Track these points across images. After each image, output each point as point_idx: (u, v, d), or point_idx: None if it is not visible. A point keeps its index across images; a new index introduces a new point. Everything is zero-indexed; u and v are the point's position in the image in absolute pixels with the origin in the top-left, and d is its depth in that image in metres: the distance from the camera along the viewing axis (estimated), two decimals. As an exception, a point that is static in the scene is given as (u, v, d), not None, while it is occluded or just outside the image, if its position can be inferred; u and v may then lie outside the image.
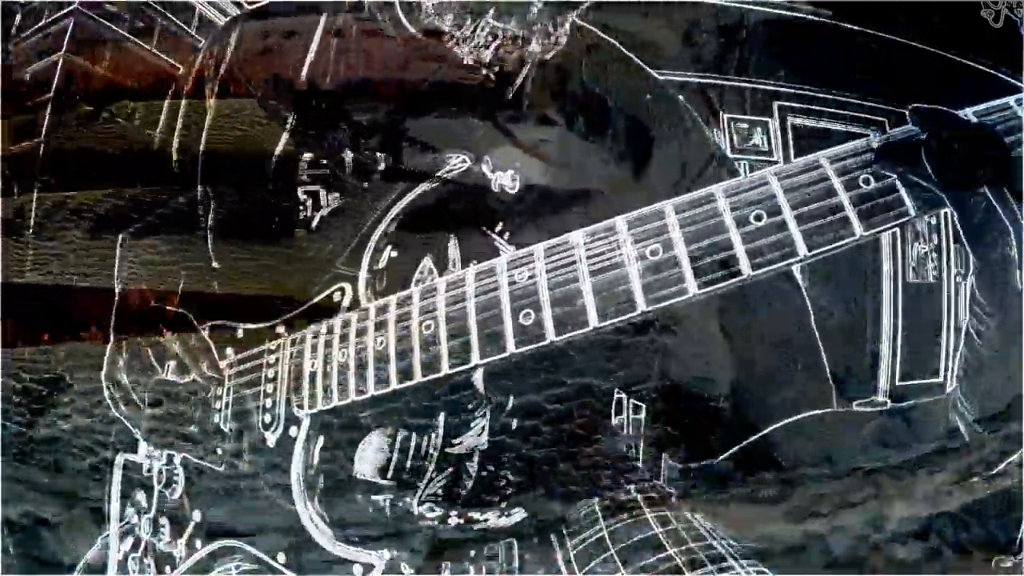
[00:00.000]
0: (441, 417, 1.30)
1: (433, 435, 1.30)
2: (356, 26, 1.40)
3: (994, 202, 1.18)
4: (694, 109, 1.31)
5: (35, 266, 1.52)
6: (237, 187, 1.42)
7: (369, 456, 1.32)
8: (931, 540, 1.27)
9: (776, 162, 1.28)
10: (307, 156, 1.38)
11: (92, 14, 1.50)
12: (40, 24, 1.53)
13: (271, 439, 1.38)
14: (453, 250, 1.31)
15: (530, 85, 1.33)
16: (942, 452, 1.27)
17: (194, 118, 1.45)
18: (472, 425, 1.29)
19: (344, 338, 1.34)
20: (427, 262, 1.32)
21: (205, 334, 1.43)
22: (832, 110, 1.29)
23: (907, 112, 1.24)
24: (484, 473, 1.30)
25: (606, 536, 1.28)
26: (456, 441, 1.30)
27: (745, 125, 1.31)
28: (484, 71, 1.34)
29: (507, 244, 1.30)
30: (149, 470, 1.47)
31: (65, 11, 1.51)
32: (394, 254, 1.34)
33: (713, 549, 1.27)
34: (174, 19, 1.48)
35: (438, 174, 1.33)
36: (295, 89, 1.41)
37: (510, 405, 1.29)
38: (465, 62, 1.34)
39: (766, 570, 1.26)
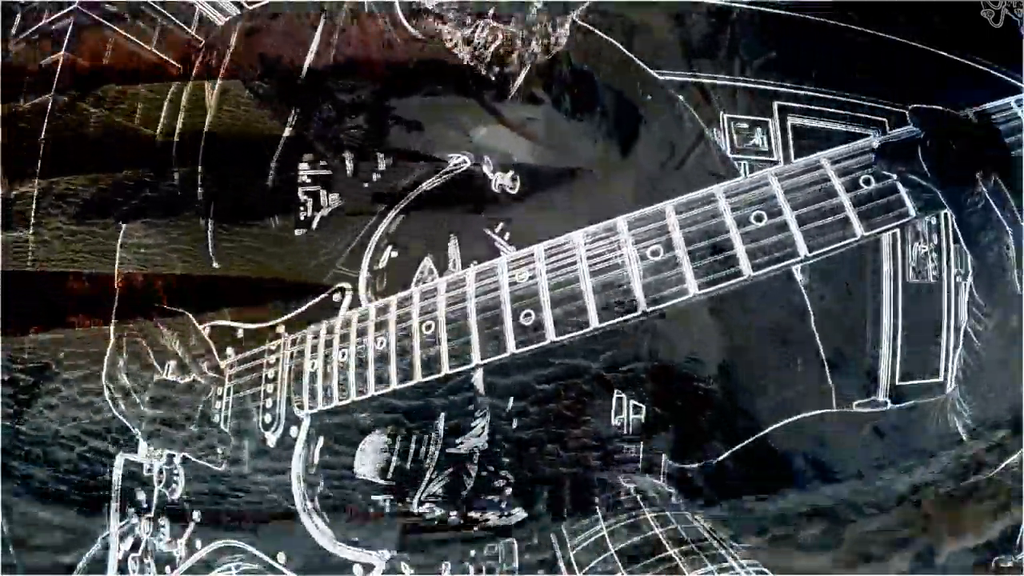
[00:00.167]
0: (441, 417, 1.30)
1: (433, 435, 1.30)
2: (356, 26, 1.40)
3: (992, 202, 1.18)
4: (694, 109, 1.32)
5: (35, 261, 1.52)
6: (237, 187, 1.42)
7: (369, 456, 1.32)
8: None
9: (776, 162, 1.28)
10: (307, 157, 1.37)
11: (92, 14, 1.50)
12: (40, 24, 1.53)
13: (271, 439, 1.38)
14: (453, 250, 1.31)
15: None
16: (940, 453, 1.27)
17: (194, 118, 1.45)
18: (472, 425, 1.29)
19: (344, 338, 1.34)
20: (427, 262, 1.32)
21: (205, 334, 1.43)
22: (832, 110, 1.30)
23: (907, 112, 1.24)
24: (484, 473, 1.30)
25: (606, 536, 1.28)
26: (456, 441, 1.30)
27: (745, 125, 1.31)
28: (484, 71, 1.34)
29: (507, 244, 1.30)
30: (149, 470, 1.46)
31: (65, 11, 1.51)
32: (394, 254, 1.34)
33: (713, 549, 1.27)
34: (174, 19, 1.48)
35: (438, 174, 1.33)
36: (295, 89, 1.41)
37: (509, 405, 1.29)
38: (465, 62, 1.34)
39: (766, 570, 1.26)
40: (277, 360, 1.38)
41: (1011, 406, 1.26)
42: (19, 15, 1.55)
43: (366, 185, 1.36)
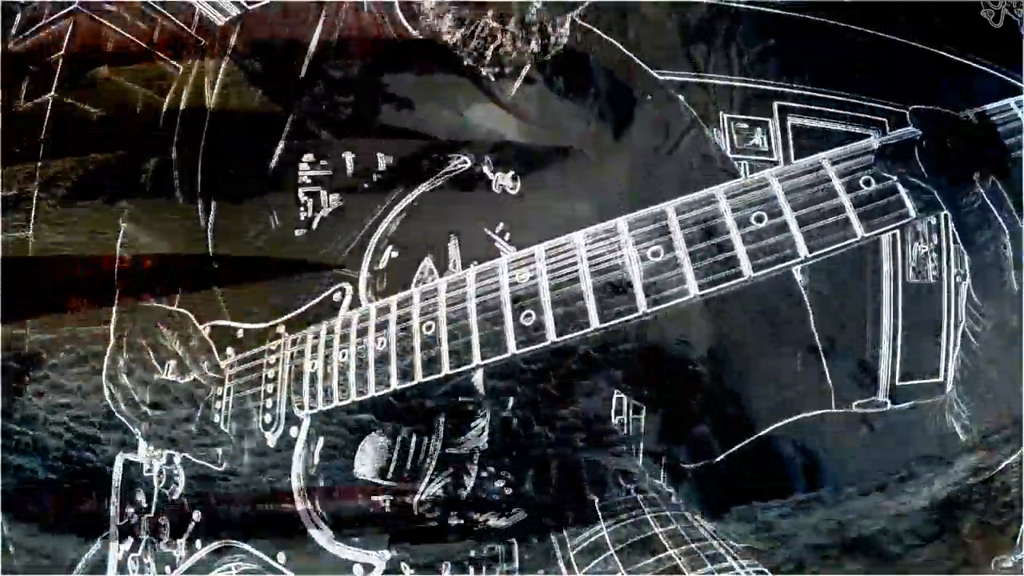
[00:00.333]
0: (441, 418, 1.30)
1: (433, 436, 1.30)
2: (356, 27, 1.40)
3: (989, 203, 1.18)
4: (694, 109, 1.32)
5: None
6: (237, 188, 1.42)
7: (369, 456, 1.32)
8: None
9: (776, 162, 1.28)
10: (308, 157, 1.37)
11: (92, 14, 1.50)
12: (40, 24, 1.53)
13: (271, 439, 1.38)
14: (454, 251, 1.31)
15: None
16: (939, 453, 1.27)
17: (194, 118, 1.45)
18: (472, 426, 1.29)
19: (345, 338, 1.34)
20: (428, 263, 1.32)
21: (205, 334, 1.43)
22: (832, 110, 1.30)
23: (907, 113, 1.24)
24: (484, 474, 1.30)
25: (606, 536, 1.28)
26: (456, 441, 1.30)
27: (745, 125, 1.31)
28: (483, 70, 1.34)
29: (507, 245, 1.30)
30: (149, 470, 1.46)
31: (65, 11, 1.51)
32: (395, 255, 1.34)
33: (713, 549, 1.27)
34: (174, 19, 1.48)
35: (439, 174, 1.33)
36: (295, 89, 1.41)
37: (510, 405, 1.29)
38: (465, 63, 1.34)
39: (766, 570, 1.26)
40: (277, 360, 1.38)
41: (1009, 407, 1.26)
42: (19, 15, 1.55)
43: (366, 185, 1.36)
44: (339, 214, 1.36)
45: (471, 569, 1.31)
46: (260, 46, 1.45)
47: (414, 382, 1.29)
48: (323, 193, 1.37)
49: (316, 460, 1.35)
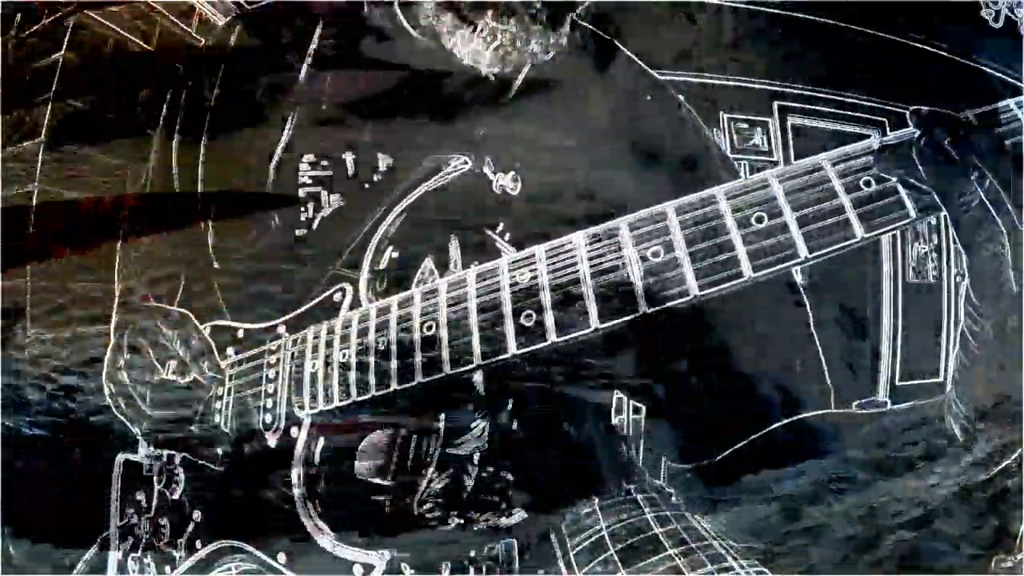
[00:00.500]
0: (441, 418, 1.30)
1: (434, 436, 1.30)
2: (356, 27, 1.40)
3: (988, 203, 1.18)
4: (694, 109, 1.32)
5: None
6: (238, 188, 1.42)
7: (370, 456, 1.32)
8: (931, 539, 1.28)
9: (776, 162, 1.28)
10: (308, 158, 1.37)
11: (92, 14, 1.50)
12: (40, 24, 1.53)
13: (272, 439, 1.38)
14: (454, 251, 1.31)
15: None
16: (938, 454, 1.27)
17: (194, 118, 1.45)
18: (472, 426, 1.29)
19: (345, 339, 1.34)
20: (428, 263, 1.32)
21: (206, 334, 1.43)
22: (832, 110, 1.30)
23: (907, 114, 1.24)
24: (484, 474, 1.30)
25: (606, 536, 1.28)
26: (456, 442, 1.30)
27: (745, 125, 1.31)
28: (483, 71, 1.34)
29: (508, 245, 1.30)
30: (149, 470, 1.46)
31: (65, 11, 1.51)
32: (395, 255, 1.34)
33: (713, 549, 1.27)
34: (174, 19, 1.48)
35: (439, 175, 1.33)
36: (295, 89, 1.41)
37: (510, 406, 1.29)
38: (465, 63, 1.34)
39: (766, 570, 1.26)
40: (278, 360, 1.38)
41: (1008, 407, 1.26)
42: (19, 15, 1.55)
43: (367, 186, 1.36)
44: (340, 214, 1.36)
45: (471, 569, 1.31)
46: (260, 46, 1.45)
47: (414, 382, 1.29)
48: (324, 193, 1.37)
49: (316, 460, 1.35)
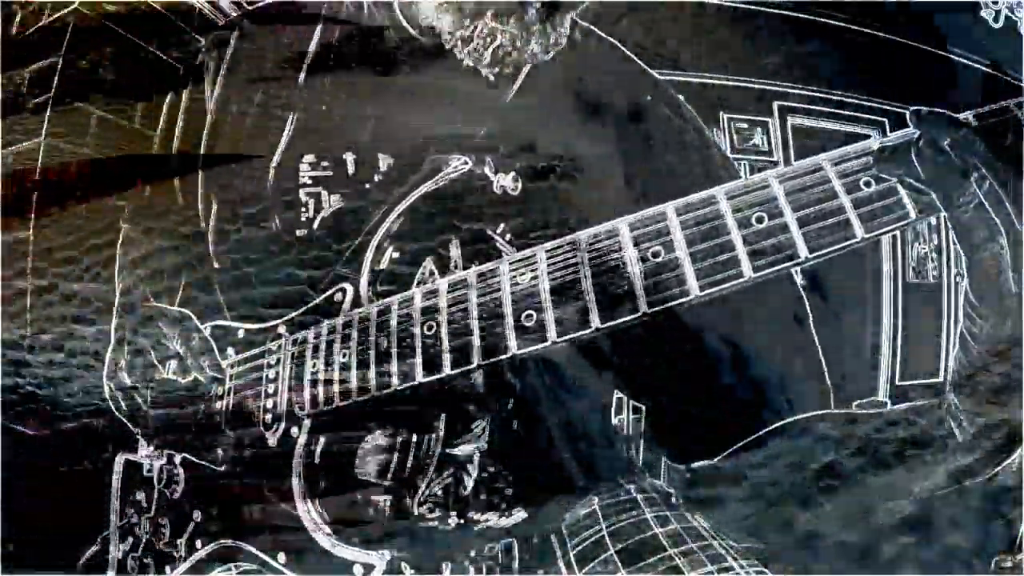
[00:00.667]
0: (442, 418, 1.30)
1: (434, 436, 1.30)
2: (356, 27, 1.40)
3: (986, 204, 1.18)
4: (694, 109, 1.32)
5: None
6: (238, 188, 1.42)
7: (370, 457, 1.32)
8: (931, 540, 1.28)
9: (776, 162, 1.28)
10: (309, 158, 1.37)
11: (92, 14, 1.50)
12: (40, 24, 1.53)
13: (272, 439, 1.38)
14: (455, 251, 1.31)
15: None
16: (937, 454, 1.27)
17: (194, 118, 1.45)
18: (472, 426, 1.29)
19: (346, 339, 1.34)
20: (429, 263, 1.32)
21: (207, 333, 1.43)
22: (832, 110, 1.29)
23: (907, 114, 1.24)
24: (484, 474, 1.30)
25: (606, 536, 1.28)
26: (457, 442, 1.30)
27: (745, 125, 1.31)
28: (483, 71, 1.34)
29: (508, 245, 1.30)
30: (149, 470, 1.46)
31: (65, 11, 1.51)
32: (396, 255, 1.34)
33: (713, 549, 1.27)
34: (174, 19, 1.48)
35: (440, 175, 1.33)
36: (295, 89, 1.41)
37: (510, 407, 1.29)
38: (464, 63, 1.34)
39: (765, 570, 1.26)
40: (278, 360, 1.38)
41: (1007, 407, 1.26)
42: (19, 15, 1.55)
43: (367, 186, 1.36)
44: (340, 214, 1.36)
45: (471, 569, 1.31)
46: (260, 46, 1.45)
47: (415, 382, 1.29)
48: (324, 193, 1.37)
49: (317, 460, 1.35)
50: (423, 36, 1.36)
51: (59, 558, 1.50)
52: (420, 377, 1.29)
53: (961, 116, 1.22)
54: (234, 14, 1.47)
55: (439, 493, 1.31)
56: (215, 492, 1.43)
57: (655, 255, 1.22)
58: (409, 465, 1.31)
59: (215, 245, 1.43)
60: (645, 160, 1.31)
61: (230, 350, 1.42)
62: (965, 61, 1.30)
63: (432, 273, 1.32)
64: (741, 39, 1.33)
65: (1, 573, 1.51)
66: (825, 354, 1.28)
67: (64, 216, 1.49)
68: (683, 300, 1.21)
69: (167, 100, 1.46)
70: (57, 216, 1.49)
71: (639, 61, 1.34)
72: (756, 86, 1.32)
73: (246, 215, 1.41)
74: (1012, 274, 1.20)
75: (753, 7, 1.32)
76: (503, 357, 1.26)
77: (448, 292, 1.29)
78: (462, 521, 1.31)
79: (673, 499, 1.29)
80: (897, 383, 1.27)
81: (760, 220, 1.20)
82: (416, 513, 1.31)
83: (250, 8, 1.46)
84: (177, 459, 1.45)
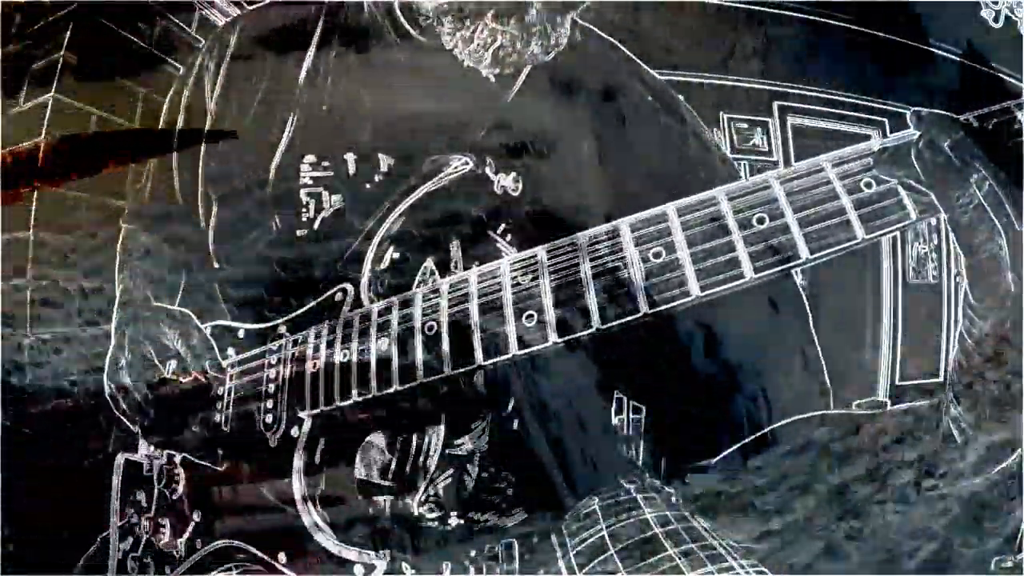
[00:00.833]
0: (442, 418, 1.30)
1: (434, 436, 1.30)
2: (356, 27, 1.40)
3: (985, 205, 1.18)
4: (694, 109, 1.32)
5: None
6: (239, 189, 1.42)
7: (371, 457, 1.32)
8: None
9: (776, 162, 1.28)
10: (309, 158, 1.37)
11: (92, 14, 1.50)
12: (40, 24, 1.52)
13: (273, 439, 1.38)
14: (455, 251, 1.31)
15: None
16: (936, 454, 1.27)
17: (195, 119, 1.45)
18: (473, 427, 1.30)
19: (346, 339, 1.34)
20: (429, 263, 1.32)
21: (207, 333, 1.43)
22: (832, 110, 1.30)
23: (908, 115, 1.24)
24: (484, 474, 1.30)
25: (606, 536, 1.28)
26: (457, 442, 1.30)
27: (745, 125, 1.31)
28: (484, 72, 1.34)
29: (509, 246, 1.30)
30: (149, 470, 1.46)
31: (65, 11, 1.51)
32: (396, 255, 1.34)
33: (713, 549, 1.27)
34: (174, 19, 1.48)
35: (440, 175, 1.33)
36: (295, 89, 1.41)
37: (510, 407, 1.29)
38: (465, 64, 1.34)
39: (765, 570, 1.26)
40: (279, 360, 1.38)
41: (1006, 408, 1.26)
42: (19, 15, 1.55)
43: (368, 186, 1.36)
44: (341, 214, 1.36)
45: (471, 569, 1.31)
46: (260, 46, 1.45)
47: (416, 382, 1.29)
48: (325, 193, 1.37)
49: (317, 460, 1.35)
50: (423, 36, 1.36)
51: (59, 558, 1.49)
52: (421, 377, 1.29)
53: (962, 117, 1.22)
54: (234, 14, 1.47)
55: (439, 493, 1.31)
56: (215, 492, 1.43)
57: (656, 256, 1.22)
58: (409, 465, 1.31)
59: (215, 245, 1.43)
60: (645, 160, 1.31)
61: (230, 350, 1.42)
62: (966, 61, 1.30)
63: (433, 273, 1.32)
64: (741, 39, 1.33)
65: (1, 573, 1.51)
66: (825, 354, 1.28)
67: (64, 215, 1.49)
68: (684, 301, 1.21)
69: (167, 100, 1.46)
70: (57, 215, 1.49)
71: (639, 61, 1.34)
72: (756, 86, 1.32)
73: (246, 215, 1.41)
74: (1011, 275, 1.20)
75: (753, 7, 1.32)
76: (504, 357, 1.26)
77: (449, 292, 1.29)
78: (462, 521, 1.31)
79: (673, 499, 1.29)
80: (897, 383, 1.27)
81: (761, 221, 1.20)
82: (416, 513, 1.31)
83: (250, 8, 1.46)
84: (177, 459, 1.45)
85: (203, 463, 1.43)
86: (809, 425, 1.27)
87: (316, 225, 1.37)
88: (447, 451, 1.30)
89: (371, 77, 1.39)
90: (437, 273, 1.32)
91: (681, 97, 1.32)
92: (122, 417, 1.46)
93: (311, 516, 1.35)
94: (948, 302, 1.27)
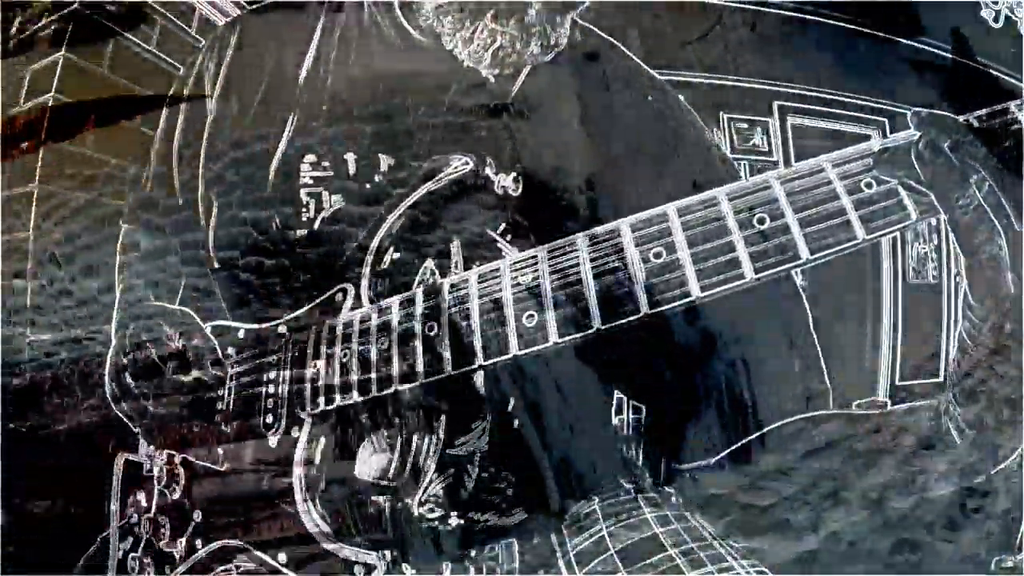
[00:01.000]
0: (442, 418, 1.30)
1: (434, 436, 1.30)
2: (356, 27, 1.40)
3: (985, 205, 1.18)
4: (694, 109, 1.32)
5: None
6: (238, 188, 1.42)
7: (371, 457, 1.32)
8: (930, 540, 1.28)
9: (776, 162, 1.28)
10: (310, 158, 1.37)
11: (92, 14, 1.50)
12: (40, 24, 1.52)
13: (273, 439, 1.37)
14: (456, 252, 1.31)
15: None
16: (936, 454, 1.27)
17: (195, 119, 1.45)
18: (473, 427, 1.30)
19: (347, 339, 1.34)
20: (430, 264, 1.32)
21: (208, 333, 1.43)
22: (832, 110, 1.30)
23: (908, 116, 1.24)
24: (484, 475, 1.30)
25: (606, 536, 1.28)
26: (457, 442, 1.30)
27: (745, 125, 1.31)
28: (483, 72, 1.34)
29: (510, 246, 1.30)
30: (149, 470, 1.46)
31: (65, 11, 1.51)
32: (397, 255, 1.34)
33: (713, 549, 1.27)
34: (174, 19, 1.48)
35: (440, 175, 1.33)
36: (295, 89, 1.41)
37: (510, 407, 1.29)
38: (465, 64, 1.34)
39: (766, 570, 1.26)
40: (279, 360, 1.38)
41: (1005, 409, 1.26)
42: (19, 15, 1.55)
43: (368, 186, 1.36)
44: (341, 214, 1.36)
45: (471, 569, 1.31)
46: (260, 46, 1.44)
47: (416, 383, 1.29)
48: (325, 193, 1.37)
49: (317, 460, 1.35)
50: (423, 37, 1.36)
51: (59, 558, 1.49)
52: (421, 377, 1.29)
53: (962, 118, 1.22)
54: (234, 14, 1.47)
55: (439, 493, 1.31)
56: (215, 492, 1.43)
57: (656, 256, 1.22)
58: (409, 465, 1.31)
59: (215, 245, 1.43)
60: (646, 161, 1.31)
61: (230, 350, 1.42)
62: (965, 61, 1.30)
63: (433, 273, 1.32)
64: (742, 39, 1.33)
65: (1, 573, 1.51)
66: (825, 354, 1.28)
67: (65, 215, 1.49)
68: (684, 301, 1.21)
69: (167, 100, 1.46)
70: (58, 215, 1.49)
71: (639, 61, 1.34)
72: (756, 86, 1.32)
73: (246, 215, 1.40)
74: (1011, 275, 1.20)
75: (753, 7, 1.32)
76: (504, 358, 1.26)
77: (449, 292, 1.29)
78: (462, 521, 1.31)
79: (673, 499, 1.29)
80: (897, 383, 1.27)
81: (761, 221, 1.20)
82: (416, 513, 1.31)
83: (250, 8, 1.46)
84: (177, 459, 1.44)
85: (203, 463, 1.42)
86: (809, 425, 1.28)
87: (316, 225, 1.37)
88: (447, 451, 1.30)
89: (371, 77, 1.39)
90: (437, 273, 1.32)
91: (681, 97, 1.32)
92: (123, 416, 1.46)
93: (311, 516, 1.35)
94: (948, 302, 1.27)
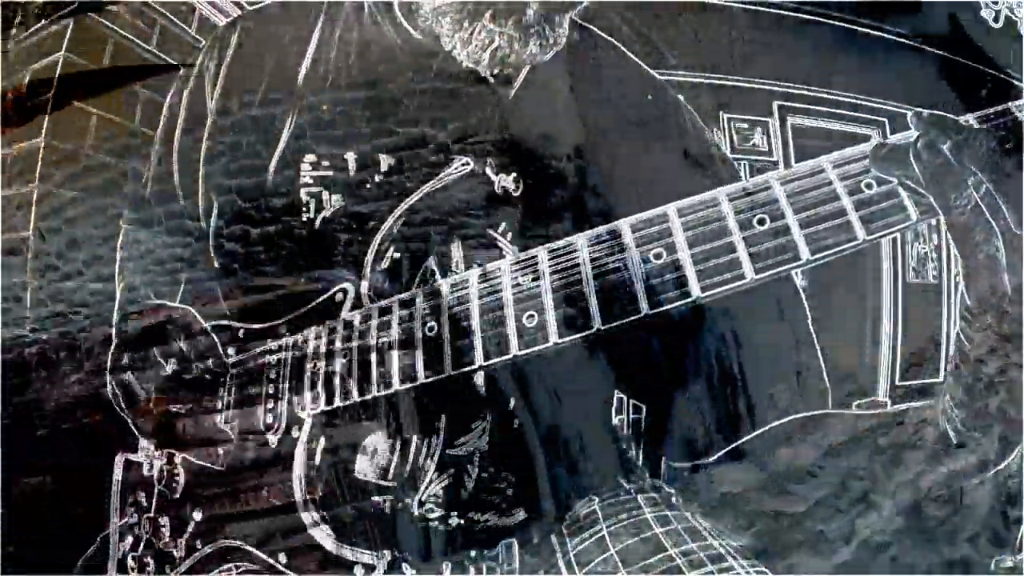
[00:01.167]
0: (443, 419, 1.30)
1: (435, 436, 1.30)
2: (356, 27, 1.40)
3: (983, 206, 1.18)
4: (694, 108, 1.32)
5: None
6: (238, 188, 1.42)
7: (371, 457, 1.32)
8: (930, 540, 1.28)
9: (776, 162, 1.28)
10: (310, 158, 1.37)
11: (92, 14, 1.50)
12: (40, 24, 1.52)
13: (273, 439, 1.37)
14: (456, 252, 1.31)
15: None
16: (936, 454, 1.27)
17: (195, 119, 1.45)
18: (473, 427, 1.30)
19: (347, 339, 1.34)
20: (430, 263, 1.32)
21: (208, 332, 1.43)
22: (832, 110, 1.30)
23: (908, 116, 1.24)
24: (485, 475, 1.30)
25: (606, 536, 1.28)
26: (457, 442, 1.30)
27: (745, 125, 1.31)
28: (483, 72, 1.34)
29: (510, 246, 1.30)
30: (149, 470, 1.46)
31: (65, 11, 1.51)
32: (397, 255, 1.34)
33: (713, 549, 1.27)
34: (174, 19, 1.48)
35: (441, 175, 1.33)
36: (295, 89, 1.41)
37: (510, 407, 1.30)
38: (464, 64, 1.34)
39: (766, 570, 1.27)
40: (279, 360, 1.38)
41: (1003, 409, 1.26)
42: (19, 15, 1.55)
43: (368, 186, 1.36)
44: (341, 214, 1.36)
45: (471, 569, 1.31)
46: (260, 46, 1.44)
47: (416, 383, 1.29)
48: (325, 193, 1.37)
49: (318, 460, 1.35)
50: (423, 37, 1.36)
51: (59, 558, 1.49)
52: (421, 377, 1.29)
53: (961, 118, 1.22)
54: (234, 14, 1.46)
55: (439, 493, 1.31)
56: (215, 492, 1.43)
57: (657, 256, 1.22)
58: (409, 465, 1.31)
59: (215, 245, 1.43)
60: (646, 161, 1.31)
61: (230, 350, 1.42)
62: (965, 61, 1.30)
63: (433, 273, 1.32)
64: (741, 39, 1.33)
65: (1, 573, 1.51)
66: (825, 354, 1.28)
67: (64, 215, 1.49)
68: (685, 301, 1.21)
69: (167, 100, 1.46)
70: (57, 215, 1.49)
71: (639, 61, 1.34)
72: (756, 86, 1.32)
73: (246, 215, 1.40)
74: (1008, 277, 1.20)
75: (753, 7, 1.33)
76: (505, 358, 1.26)
77: (449, 293, 1.29)
78: (462, 521, 1.31)
79: (673, 499, 1.29)
80: (897, 383, 1.28)
81: (762, 222, 1.20)
82: (416, 513, 1.31)
83: (250, 8, 1.46)
84: (177, 459, 1.44)
85: (203, 463, 1.42)
86: (808, 425, 1.28)
87: (316, 225, 1.37)
88: (447, 451, 1.30)
89: (371, 77, 1.39)
90: (438, 273, 1.32)
91: (681, 97, 1.32)
92: (123, 415, 1.46)
93: (311, 516, 1.35)
94: (948, 302, 1.27)
